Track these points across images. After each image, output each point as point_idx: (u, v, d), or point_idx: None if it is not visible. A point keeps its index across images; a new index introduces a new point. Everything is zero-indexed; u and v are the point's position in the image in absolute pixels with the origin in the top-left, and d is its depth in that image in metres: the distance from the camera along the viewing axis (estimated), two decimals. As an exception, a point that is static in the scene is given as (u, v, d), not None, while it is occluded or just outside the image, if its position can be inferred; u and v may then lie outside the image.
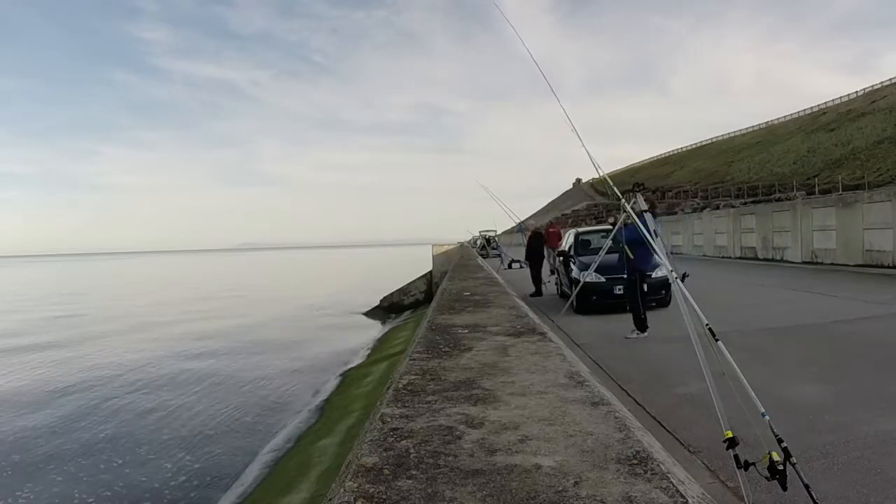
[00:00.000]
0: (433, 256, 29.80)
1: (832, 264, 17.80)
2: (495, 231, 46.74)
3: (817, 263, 18.55)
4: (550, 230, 20.28)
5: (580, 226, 41.70)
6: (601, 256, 10.53)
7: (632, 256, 8.86)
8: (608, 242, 10.65)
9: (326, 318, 26.65)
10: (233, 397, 13.02)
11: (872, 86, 74.23)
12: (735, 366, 3.40)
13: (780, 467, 2.88)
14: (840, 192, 32.86)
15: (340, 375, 14.09)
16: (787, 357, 6.81)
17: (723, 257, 25.25)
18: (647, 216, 5.20)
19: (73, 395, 13.58)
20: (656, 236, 8.34)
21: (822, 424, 4.47)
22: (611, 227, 11.11)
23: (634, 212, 5.11)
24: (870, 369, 6.07)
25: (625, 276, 10.86)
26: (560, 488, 2.45)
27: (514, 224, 21.19)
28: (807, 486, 2.93)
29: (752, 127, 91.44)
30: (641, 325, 8.81)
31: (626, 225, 9.34)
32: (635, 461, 2.72)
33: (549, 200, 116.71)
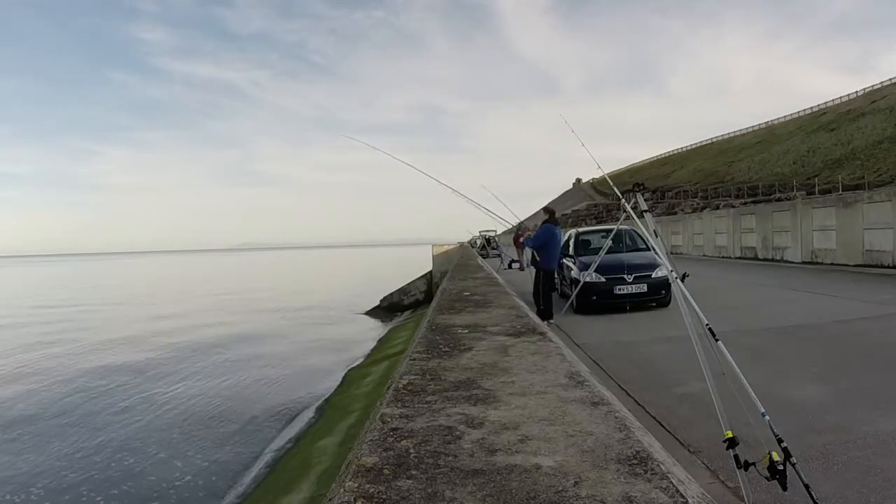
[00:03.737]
0: (433, 256, 29.79)
1: (832, 264, 17.80)
2: (495, 231, 46.70)
3: (817, 263, 18.55)
4: (518, 233, 24.74)
5: (580, 226, 41.73)
6: (601, 256, 10.54)
7: (538, 258, 10.34)
8: (608, 242, 10.68)
9: (326, 318, 26.64)
10: (234, 396, 13.03)
11: (872, 86, 74.24)
12: (735, 366, 3.40)
13: (780, 467, 2.88)
14: (840, 192, 32.87)
15: (341, 376, 14.09)
16: (787, 357, 6.81)
17: (723, 257, 25.26)
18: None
19: (85, 393, 13.68)
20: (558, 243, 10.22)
21: (821, 424, 4.47)
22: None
23: (635, 212, 5.11)
24: (870, 369, 6.08)
25: (624, 275, 10.92)
26: (560, 488, 2.45)
27: (513, 224, 21.28)
28: (807, 486, 2.93)
29: (752, 127, 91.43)
30: (542, 315, 9.73)
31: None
32: (635, 461, 2.72)
33: (549, 200, 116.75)
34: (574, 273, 11.75)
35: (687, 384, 5.66)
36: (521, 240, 21.91)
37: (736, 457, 3.15)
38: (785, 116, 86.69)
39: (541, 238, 10.38)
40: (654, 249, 5.05)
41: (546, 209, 11.16)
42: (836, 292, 12.01)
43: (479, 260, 26.82)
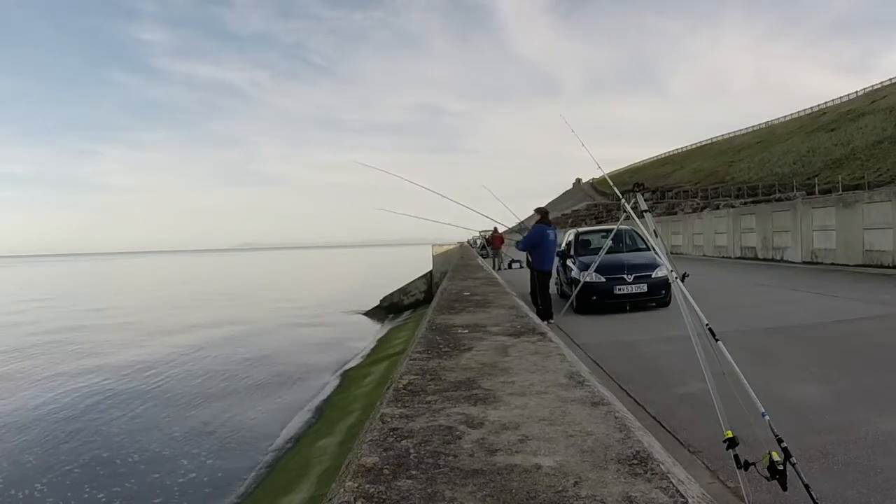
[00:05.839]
0: (433, 256, 29.77)
1: (832, 264, 17.79)
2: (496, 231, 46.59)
3: (817, 263, 18.55)
4: (495, 235, 27.61)
5: (580, 226, 41.71)
6: (601, 256, 10.54)
7: (531, 259, 10.36)
8: (608, 242, 10.68)
9: (326, 318, 26.65)
10: (233, 396, 13.05)
11: (872, 86, 74.16)
12: (735, 366, 3.40)
13: (780, 467, 2.88)
14: (840, 192, 32.85)
15: (340, 375, 14.09)
16: (787, 357, 6.81)
17: (723, 257, 25.25)
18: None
19: (91, 391, 13.76)
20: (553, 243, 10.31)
21: (822, 424, 4.47)
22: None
23: (635, 212, 5.12)
24: (870, 369, 6.07)
25: (625, 275, 10.93)
26: (560, 488, 2.45)
27: (513, 224, 21.40)
28: (807, 486, 2.93)
29: (752, 127, 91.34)
30: (542, 315, 9.61)
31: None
32: (635, 461, 2.72)
33: (549, 200, 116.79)
34: (574, 273, 11.75)
35: (687, 384, 5.66)
36: (503, 244, 26.72)
37: (736, 457, 3.15)
38: (785, 116, 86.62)
39: (532, 239, 10.31)
40: (654, 249, 5.05)
41: (538, 210, 11.01)
42: (837, 292, 12.00)
43: (479, 260, 26.82)
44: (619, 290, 10.90)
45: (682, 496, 2.37)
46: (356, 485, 2.53)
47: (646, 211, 4.67)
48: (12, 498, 8.10)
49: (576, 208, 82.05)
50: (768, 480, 2.94)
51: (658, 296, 11.00)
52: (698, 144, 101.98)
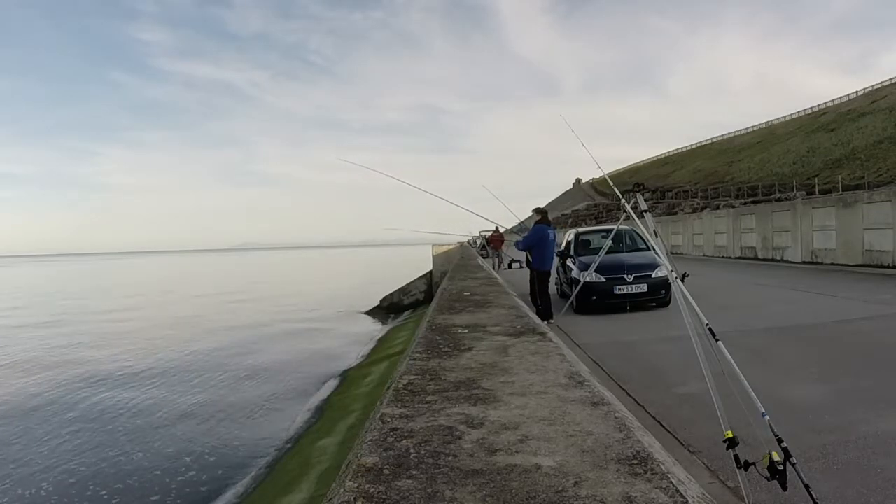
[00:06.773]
0: (433, 256, 29.77)
1: (832, 264, 17.79)
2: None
3: (817, 263, 18.55)
4: (494, 235, 28.17)
5: (580, 226, 41.72)
6: (601, 256, 10.54)
7: (531, 258, 10.38)
8: (608, 242, 10.68)
9: (326, 318, 26.64)
10: (234, 395, 13.05)
11: (872, 86, 74.17)
12: (735, 366, 3.40)
13: (780, 467, 2.88)
14: (840, 192, 32.85)
15: (340, 375, 14.09)
16: (787, 357, 6.81)
17: (723, 257, 25.26)
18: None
19: (95, 391, 13.78)
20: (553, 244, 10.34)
21: (821, 424, 4.47)
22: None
23: (635, 212, 5.12)
24: (870, 369, 6.07)
25: (625, 275, 10.93)
26: (560, 488, 2.45)
27: (513, 224, 21.41)
28: (807, 486, 2.93)
29: (752, 127, 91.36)
30: (542, 315, 9.61)
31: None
32: (635, 461, 2.72)
33: (549, 200, 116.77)
34: (574, 273, 11.74)
35: (687, 384, 5.66)
36: (503, 244, 27.58)
37: (736, 457, 3.15)
38: (785, 116, 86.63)
39: (531, 239, 10.33)
40: (654, 249, 5.05)
41: (538, 210, 10.99)
42: (837, 292, 12.00)
43: (479, 260, 26.82)
44: (619, 290, 10.90)
45: (682, 496, 2.37)
46: (356, 485, 2.53)
47: (646, 211, 4.67)
48: (19, 496, 8.13)
49: (576, 208, 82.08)
50: (768, 480, 2.94)
51: (658, 296, 11.00)
52: (698, 144, 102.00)
